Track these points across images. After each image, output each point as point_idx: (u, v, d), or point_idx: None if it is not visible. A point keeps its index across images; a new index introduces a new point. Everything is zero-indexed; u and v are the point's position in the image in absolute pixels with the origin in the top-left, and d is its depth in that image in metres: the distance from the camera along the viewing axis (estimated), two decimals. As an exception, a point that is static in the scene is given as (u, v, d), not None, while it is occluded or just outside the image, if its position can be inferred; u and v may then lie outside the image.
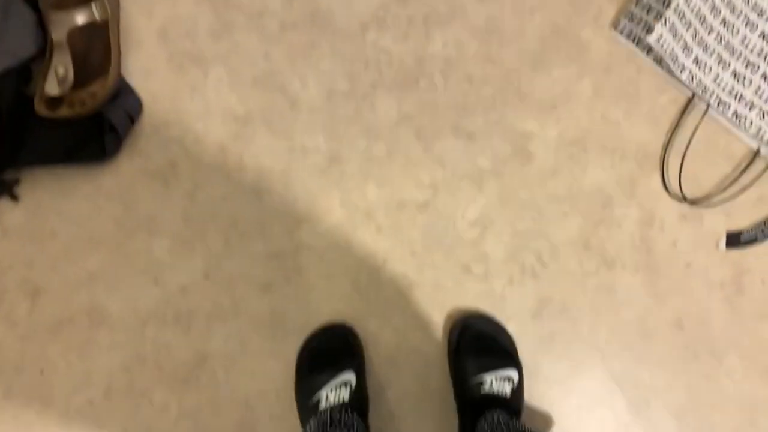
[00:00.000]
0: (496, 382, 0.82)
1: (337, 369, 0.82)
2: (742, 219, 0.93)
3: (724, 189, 0.93)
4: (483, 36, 0.94)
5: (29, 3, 0.87)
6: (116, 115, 0.89)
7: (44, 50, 0.88)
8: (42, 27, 0.88)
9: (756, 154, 0.92)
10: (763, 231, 0.93)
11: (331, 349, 0.86)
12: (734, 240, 0.92)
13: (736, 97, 0.91)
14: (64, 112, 0.86)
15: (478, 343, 0.87)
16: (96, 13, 0.87)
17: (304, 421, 0.83)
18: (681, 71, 0.90)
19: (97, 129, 0.88)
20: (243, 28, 0.93)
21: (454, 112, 0.93)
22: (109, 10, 0.88)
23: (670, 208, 0.92)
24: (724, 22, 0.91)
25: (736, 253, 0.92)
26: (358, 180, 0.92)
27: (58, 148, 0.88)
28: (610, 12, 0.95)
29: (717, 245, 0.92)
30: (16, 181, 0.90)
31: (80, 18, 0.86)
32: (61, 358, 0.88)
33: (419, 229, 0.92)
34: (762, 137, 0.91)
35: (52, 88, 0.87)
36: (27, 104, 0.87)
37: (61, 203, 0.90)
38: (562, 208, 0.92)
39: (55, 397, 0.88)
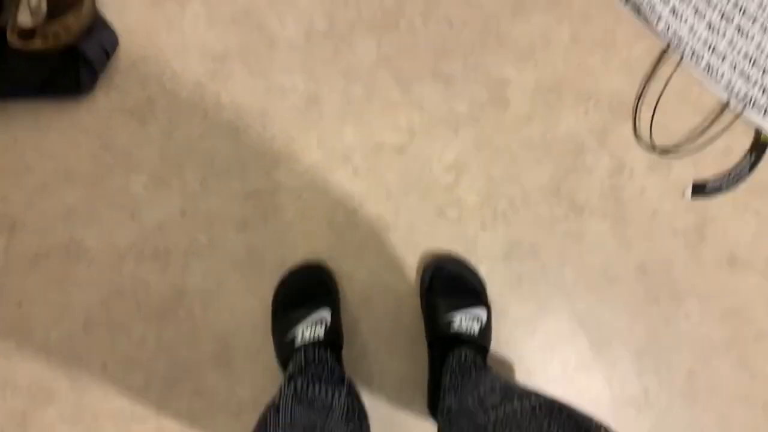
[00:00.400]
0: (465, 320, 0.85)
1: (312, 306, 0.85)
2: (709, 169, 0.95)
3: (693, 140, 0.95)
4: (464, -21, 0.94)
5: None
6: (91, 49, 0.87)
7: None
8: (13, -46, 0.85)
9: (725, 106, 0.94)
10: (728, 181, 0.96)
11: (306, 287, 0.88)
12: (700, 189, 0.95)
13: (709, 48, 0.93)
14: (37, 44, 0.84)
15: (450, 283, 0.89)
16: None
17: (279, 357, 0.86)
18: (657, 21, 0.91)
19: (72, 62, 0.87)
20: (221, -38, 0.91)
21: (433, 55, 0.93)
22: (83, -61, 0.86)
23: (640, 157, 0.95)
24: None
25: (701, 202, 0.95)
26: (335, 121, 0.92)
27: (31, 81, 0.87)
28: (591, -41, 0.95)
29: (683, 194, 0.95)
30: (-10, 114, 0.89)
31: (52, -55, 0.84)
32: (39, 291, 0.89)
33: (395, 172, 0.93)
34: (732, 89, 0.93)
35: (24, 18, 0.85)
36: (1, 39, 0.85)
37: (36, 138, 0.89)
38: (535, 154, 0.94)
39: (33, 330, 0.89)
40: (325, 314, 0.84)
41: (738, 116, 0.94)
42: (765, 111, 0.93)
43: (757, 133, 0.95)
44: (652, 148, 0.94)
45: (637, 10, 0.93)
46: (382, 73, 0.93)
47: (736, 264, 0.95)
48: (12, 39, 0.84)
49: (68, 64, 0.87)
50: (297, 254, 0.91)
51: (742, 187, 0.95)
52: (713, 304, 0.95)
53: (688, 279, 0.95)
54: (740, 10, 0.92)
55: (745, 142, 0.96)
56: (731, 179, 0.96)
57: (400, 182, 0.93)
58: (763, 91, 0.93)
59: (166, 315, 0.90)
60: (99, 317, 0.89)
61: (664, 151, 0.94)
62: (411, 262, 0.93)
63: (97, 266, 0.90)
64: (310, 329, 0.83)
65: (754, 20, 0.92)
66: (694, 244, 0.95)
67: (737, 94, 0.93)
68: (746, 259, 0.95)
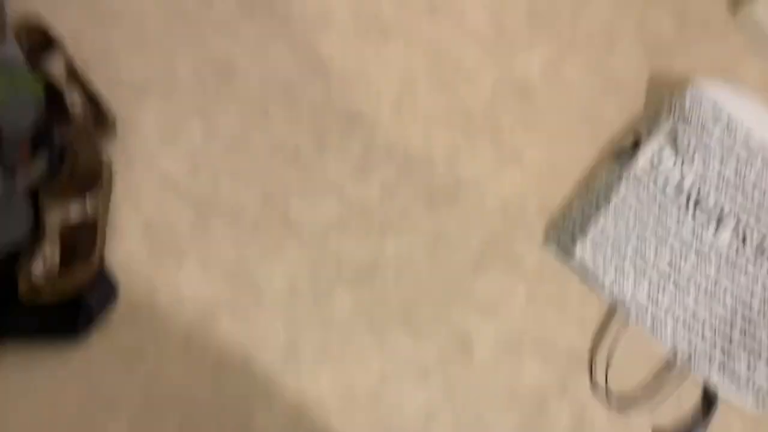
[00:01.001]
0: None
1: None
2: (666, 418, 1.01)
3: (649, 391, 1.02)
4: (431, 243, 1.07)
5: (29, 193, 0.97)
6: (93, 298, 0.96)
7: (35, 236, 0.97)
8: (36, 214, 0.97)
9: (675, 358, 1.03)
10: (685, 429, 1.01)
11: None
12: (659, 439, 1.00)
13: (652, 303, 1.04)
14: (46, 296, 0.93)
15: None
16: (89, 207, 0.97)
17: None
18: (603, 281, 1.03)
19: (73, 309, 0.95)
20: (219, 226, 1.04)
21: (403, 307, 1.03)
22: (100, 203, 0.99)
23: (600, 408, 1.00)
24: (638, 237, 1.06)
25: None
26: (313, 366, 0.99)
27: (31, 326, 0.94)
28: (541, 227, 1.10)
29: (644, 444, 1.00)
30: (-16, 356, 0.94)
31: (73, 209, 0.96)
32: None
33: (368, 414, 0.97)
34: (676, 345, 1.02)
35: (38, 269, 0.95)
36: (11, 287, 0.94)
37: (24, 377, 0.94)
38: (502, 403, 1.00)
39: None
40: None
41: (687, 368, 1.02)
42: (710, 362, 1.02)
43: (705, 384, 1.03)
44: (608, 399, 1.00)
45: (584, 273, 1.05)
46: (358, 322, 1.01)
47: None
48: (24, 292, 0.93)
49: (68, 311, 0.95)
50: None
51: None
52: None
53: None
54: (676, 270, 1.05)
55: (698, 392, 1.03)
56: (689, 428, 1.01)
57: (374, 426, 0.97)
58: (708, 344, 1.02)
59: None
60: None
61: (622, 403, 1.00)
62: None
63: None
64: None
65: (689, 279, 1.05)
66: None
67: (681, 350, 1.02)
68: None
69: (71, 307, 0.95)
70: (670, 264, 1.05)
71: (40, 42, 1.04)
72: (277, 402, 0.96)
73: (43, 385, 0.94)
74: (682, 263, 1.05)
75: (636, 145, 1.10)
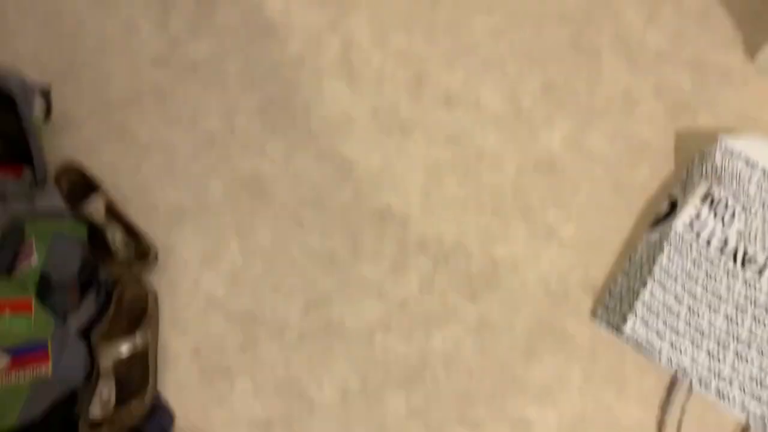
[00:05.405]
0: None
1: None
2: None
3: (724, 464, 0.97)
4: (477, 332, 1.06)
5: (81, 335, 1.01)
6: (151, 429, 0.97)
7: (90, 375, 1.00)
8: (91, 355, 1.00)
9: (746, 428, 0.98)
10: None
11: None
12: None
13: (715, 375, 1.00)
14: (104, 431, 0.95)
15: None
16: (139, 341, 1.00)
17: None
18: (659, 356, 1.00)
19: (133, 442, 0.97)
20: (266, 341, 1.05)
21: (458, 403, 1.01)
22: (149, 336, 1.02)
23: (676, 488, 0.96)
24: (689, 308, 1.03)
25: None
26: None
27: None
28: (587, 303, 1.08)
29: None
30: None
31: (125, 347, 0.99)
32: None
33: None
34: (747, 411, 0.97)
35: (95, 411, 0.97)
36: (72, 427, 0.96)
37: None
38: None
39: None
40: None
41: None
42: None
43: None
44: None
45: (638, 347, 1.02)
46: (413, 424, 1.00)
47: None
48: (84, 430, 0.95)
49: (129, 444, 0.96)
50: None
51: None
52: None
53: None
54: (734, 338, 1.01)
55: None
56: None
57: None
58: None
59: None
60: None
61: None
62: None
63: None
64: None
65: (749, 345, 1.01)
66: None
67: (753, 415, 0.97)
68: None
69: (131, 438, 0.96)
70: (726, 332, 1.02)
71: (79, 184, 1.10)
72: None
73: None
74: (739, 329, 1.01)
75: (673, 209, 1.08)
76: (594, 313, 1.06)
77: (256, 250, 1.10)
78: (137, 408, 0.98)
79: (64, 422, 0.97)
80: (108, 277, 1.04)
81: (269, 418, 1.01)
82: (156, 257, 1.07)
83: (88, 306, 1.02)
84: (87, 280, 1.03)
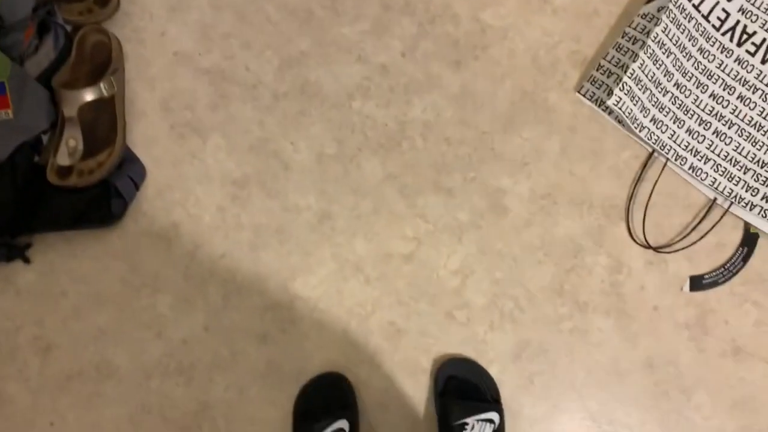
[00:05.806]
0: (479, 425, 0.88)
1: (331, 417, 0.88)
2: (704, 263, 1.00)
3: (686, 236, 1.00)
4: (458, 101, 1.02)
5: (42, 81, 0.95)
6: (122, 182, 0.96)
7: (56, 124, 0.96)
8: (54, 103, 0.96)
9: (713, 203, 1.00)
10: (723, 274, 1.00)
11: (325, 399, 0.92)
12: (697, 283, 1.00)
13: (691, 152, 1.00)
14: (73, 180, 0.93)
15: (462, 387, 0.93)
16: (104, 90, 0.95)
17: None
18: (640, 130, 0.99)
19: (104, 195, 0.96)
20: (238, 99, 1.01)
21: (434, 170, 1.01)
22: (115, 87, 0.96)
23: (637, 255, 1.00)
24: (677, 84, 1.00)
25: (700, 295, 0.99)
26: (347, 235, 0.99)
27: (67, 214, 0.95)
28: (573, 77, 1.04)
29: (682, 288, 0.99)
30: (28, 245, 0.97)
31: (89, 95, 0.94)
32: (71, 410, 0.94)
33: (405, 279, 0.98)
34: (717, 188, 0.99)
35: (63, 159, 0.95)
36: (39, 174, 0.94)
37: (70, 264, 0.97)
38: (536, 257, 0.99)
39: (64, 449, 0.93)
40: (344, 425, 0.87)
41: (726, 212, 0.99)
42: (750, 206, 0.99)
43: (747, 226, 1.01)
44: (647, 245, 0.99)
45: (620, 121, 1.01)
46: (388, 189, 1.00)
47: (739, 354, 0.98)
48: (51, 177, 0.93)
49: (101, 197, 0.96)
50: (314, 363, 0.95)
51: (739, 279, 1.00)
52: (722, 394, 0.97)
53: (695, 371, 0.98)
54: (716, 117, 1.00)
55: (736, 235, 1.01)
56: (727, 272, 1.00)
57: (410, 289, 0.98)
58: (747, 188, 0.99)
59: (191, 429, 0.94)
60: (127, 434, 0.93)
61: (659, 248, 0.99)
62: (424, 366, 0.97)
63: (124, 384, 0.94)
64: (329, 440, 0.86)
65: (730, 125, 1.00)
66: (698, 336, 0.98)
67: (722, 192, 0.99)
68: (750, 348, 0.98)
69: (102, 191, 0.95)
70: (710, 111, 1.00)
71: None
72: (315, 269, 0.98)
73: (88, 269, 0.97)
74: (723, 110, 0.99)
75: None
76: (579, 88, 1.03)
77: (227, 3, 1.02)
78: (106, 159, 0.96)
79: (31, 167, 0.95)
80: (67, 23, 0.96)
81: (243, 174, 1.00)
82: (118, 4, 0.98)
83: (47, 51, 0.95)
84: (43, 23, 0.95)
